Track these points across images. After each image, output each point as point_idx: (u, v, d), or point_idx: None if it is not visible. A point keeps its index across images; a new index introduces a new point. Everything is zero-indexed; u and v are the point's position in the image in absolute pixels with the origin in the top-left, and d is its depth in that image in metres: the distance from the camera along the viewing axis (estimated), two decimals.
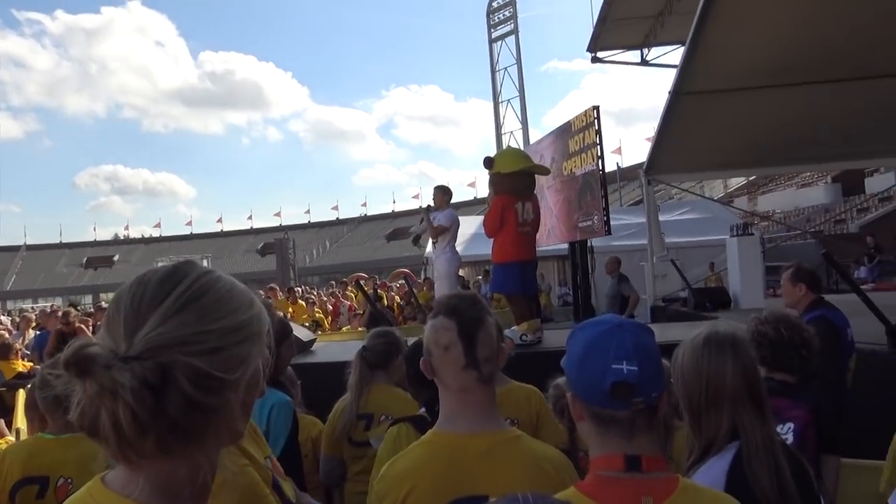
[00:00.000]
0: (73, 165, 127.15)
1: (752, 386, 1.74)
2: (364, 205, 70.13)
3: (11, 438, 3.95)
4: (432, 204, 7.62)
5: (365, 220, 67.03)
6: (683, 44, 8.03)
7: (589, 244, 10.22)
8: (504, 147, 41.65)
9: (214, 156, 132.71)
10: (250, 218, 70.50)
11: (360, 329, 11.02)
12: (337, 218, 68.59)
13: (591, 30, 17.38)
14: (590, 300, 10.13)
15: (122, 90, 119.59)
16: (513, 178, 6.07)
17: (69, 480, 2.39)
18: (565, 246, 10.95)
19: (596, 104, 9.01)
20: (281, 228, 57.70)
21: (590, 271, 10.28)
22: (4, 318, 14.17)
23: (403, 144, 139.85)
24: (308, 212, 70.51)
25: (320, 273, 52.20)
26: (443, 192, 7.44)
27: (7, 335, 9.41)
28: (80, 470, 2.34)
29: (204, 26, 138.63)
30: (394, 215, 64.81)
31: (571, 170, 9.64)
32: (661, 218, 11.57)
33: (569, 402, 1.37)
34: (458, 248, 7.48)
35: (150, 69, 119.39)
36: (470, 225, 17.18)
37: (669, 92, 8.42)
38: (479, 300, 1.67)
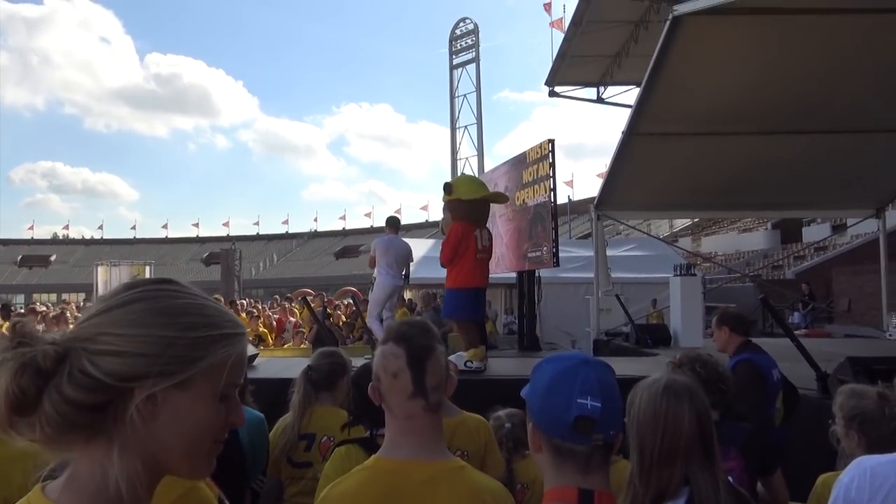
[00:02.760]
0: (8, 159, 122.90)
1: (705, 434, 1.76)
2: (315, 220, 69.59)
3: None
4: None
5: (315, 235, 66.47)
6: (638, 85, 8.28)
7: (537, 274, 10.35)
8: (459, 173, 42.00)
9: (159, 160, 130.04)
10: (196, 225, 69.18)
11: (303, 346, 10.88)
12: (286, 232, 67.83)
13: (550, 64, 17.78)
14: (535, 329, 10.23)
15: (63, 85, 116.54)
16: (472, 205, 6.14)
17: None
18: (513, 274, 11.06)
19: (551, 137, 9.20)
20: (228, 238, 56.72)
21: (536, 301, 10.39)
22: None
23: (354, 162, 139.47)
24: (257, 223, 69.71)
25: (266, 286, 51.40)
26: (386, 223, 7.66)
27: None
28: None
29: (152, 26, 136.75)
30: (344, 233, 64.46)
31: (524, 200, 9.78)
32: (608, 253, 11.81)
33: (528, 432, 1.41)
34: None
35: (93, 66, 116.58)
36: (421, 248, 17.20)
37: (622, 132, 8.66)
38: (430, 328, 1.68)
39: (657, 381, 1.86)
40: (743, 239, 31.29)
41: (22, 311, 13.96)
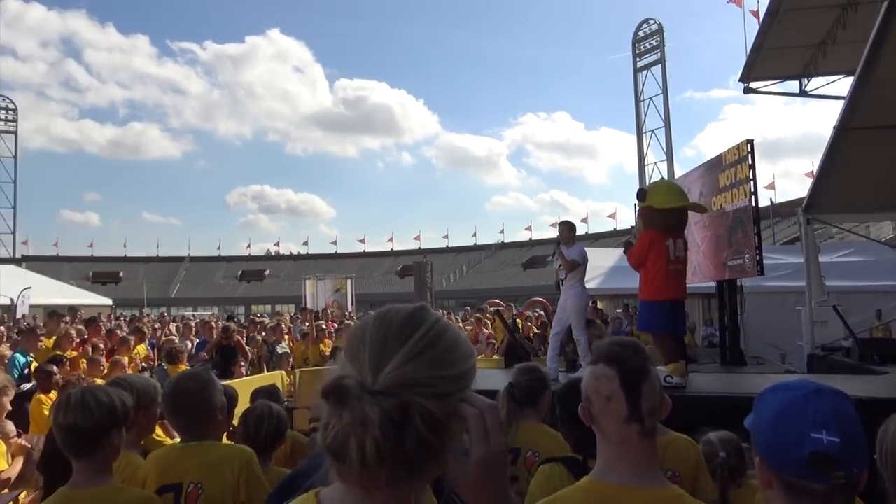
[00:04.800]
0: (225, 184, 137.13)
1: None
2: (502, 231, 70.56)
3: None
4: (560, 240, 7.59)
5: (502, 247, 67.42)
6: (848, 74, 7.54)
7: (738, 283, 9.75)
8: (648, 179, 40.66)
9: (351, 178, 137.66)
10: (391, 240, 72.95)
11: (495, 358, 11.04)
12: (475, 244, 69.51)
13: (743, 59, 16.72)
14: (738, 343, 9.62)
15: (266, 115, 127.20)
16: (666, 213, 5.93)
17: (199, 486, 2.51)
18: (712, 284, 10.50)
19: (749, 137, 8.67)
20: (420, 252, 59.25)
21: (739, 312, 9.77)
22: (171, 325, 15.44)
23: (535, 172, 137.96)
24: (447, 237, 72.04)
25: (456, 297, 52.94)
26: (569, 228, 7.40)
27: (176, 341, 10.37)
28: (208, 475, 2.52)
29: (339, 54, 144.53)
30: (531, 243, 64.73)
31: (721, 205, 9.28)
32: (821, 259, 10.82)
33: (756, 466, 1.32)
34: (596, 282, 7.37)
35: (290, 95, 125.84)
36: (609, 257, 16.85)
37: (834, 127, 7.93)
38: (642, 349, 1.64)
39: None
40: None
41: (245, 322, 15.49)
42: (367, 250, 72.47)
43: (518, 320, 13.73)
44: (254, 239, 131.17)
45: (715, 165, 9.56)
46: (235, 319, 15.40)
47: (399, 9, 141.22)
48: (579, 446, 2.27)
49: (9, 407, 4.42)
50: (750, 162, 8.47)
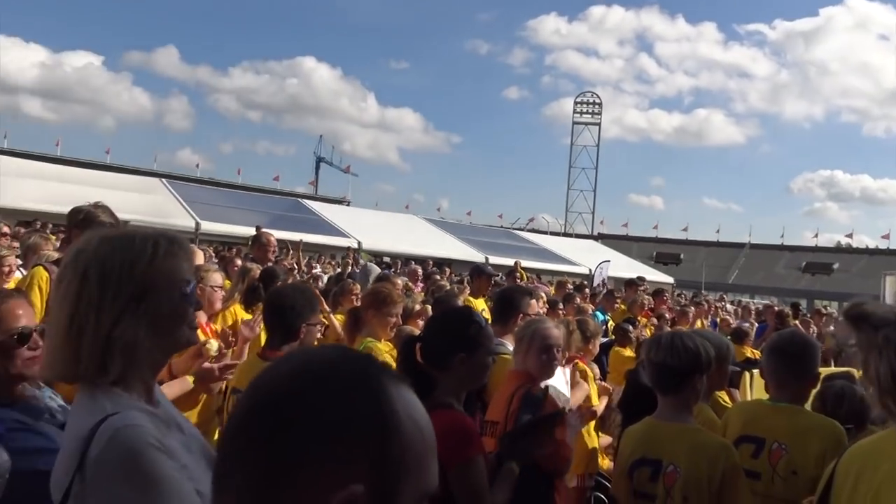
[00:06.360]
0: (789, 170, 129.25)
1: None
2: None
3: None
4: None
5: None
6: None
7: None
8: None
9: None
10: None
11: None
12: None
13: None
14: None
15: (841, 92, 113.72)
16: None
17: (783, 446, 2.49)
18: None
19: None
20: None
21: None
22: (730, 307, 15.63)
23: None
24: None
25: None
26: None
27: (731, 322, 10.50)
28: (795, 440, 2.48)
29: None
30: None
31: None
32: None
33: None
34: None
35: (871, 68, 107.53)
36: None
37: None
38: None
39: None
40: None
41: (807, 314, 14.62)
42: None
43: None
44: (821, 228, 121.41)
45: None
46: (800, 309, 14.64)
47: None
48: None
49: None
50: None
